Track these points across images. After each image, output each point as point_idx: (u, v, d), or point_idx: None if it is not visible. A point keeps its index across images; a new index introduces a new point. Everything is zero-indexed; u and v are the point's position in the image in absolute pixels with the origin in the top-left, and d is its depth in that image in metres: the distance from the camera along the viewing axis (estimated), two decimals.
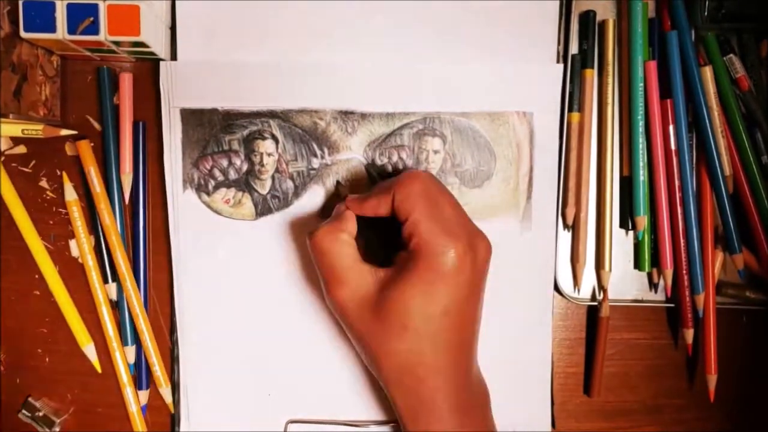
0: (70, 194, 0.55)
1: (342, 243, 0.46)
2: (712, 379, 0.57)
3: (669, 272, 0.56)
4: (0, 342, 0.57)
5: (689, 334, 0.57)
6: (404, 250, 0.46)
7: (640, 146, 0.56)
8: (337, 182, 0.56)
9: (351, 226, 0.47)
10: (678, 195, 0.56)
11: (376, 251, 0.50)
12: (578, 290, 0.58)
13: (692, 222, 0.56)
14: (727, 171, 0.56)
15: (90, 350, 0.56)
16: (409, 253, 0.45)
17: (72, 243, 0.56)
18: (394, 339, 0.44)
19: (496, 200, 0.56)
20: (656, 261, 0.57)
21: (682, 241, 0.56)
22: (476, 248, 0.45)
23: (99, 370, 0.57)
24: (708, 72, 0.56)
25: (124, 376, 0.56)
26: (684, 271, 0.56)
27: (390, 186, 0.46)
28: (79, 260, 0.56)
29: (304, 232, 0.55)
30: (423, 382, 0.44)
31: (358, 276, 0.45)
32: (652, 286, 0.58)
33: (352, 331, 0.47)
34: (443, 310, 0.43)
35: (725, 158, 0.56)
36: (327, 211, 0.55)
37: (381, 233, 0.51)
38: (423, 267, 0.43)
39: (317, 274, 0.48)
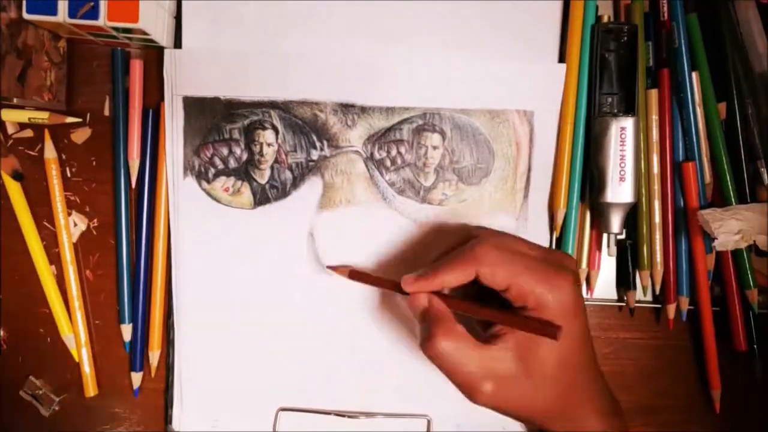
0: (50, 152, 0.56)
1: (461, 339, 0.43)
2: (716, 395, 0.58)
3: (659, 272, 0.57)
4: (1, 322, 0.58)
5: (671, 309, 0.57)
6: (523, 311, 0.44)
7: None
8: (329, 267, 0.56)
9: (449, 315, 0.45)
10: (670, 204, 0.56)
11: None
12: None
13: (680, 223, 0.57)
14: (707, 179, 0.56)
15: (69, 340, 0.57)
16: (533, 312, 0.43)
17: (72, 218, 0.57)
18: (557, 387, 0.44)
19: (494, 198, 0.56)
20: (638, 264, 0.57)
21: (671, 243, 0.56)
22: (569, 268, 0.45)
23: (77, 359, 0.58)
24: (694, 77, 0.56)
25: (82, 336, 0.58)
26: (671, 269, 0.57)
27: (466, 260, 0.45)
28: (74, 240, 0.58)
29: (302, 222, 0.56)
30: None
31: (494, 363, 0.43)
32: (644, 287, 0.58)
33: (518, 411, 0.45)
34: (582, 333, 0.44)
35: (706, 165, 0.56)
36: (325, 201, 0.56)
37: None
38: (555, 317, 0.43)
39: (450, 381, 0.45)
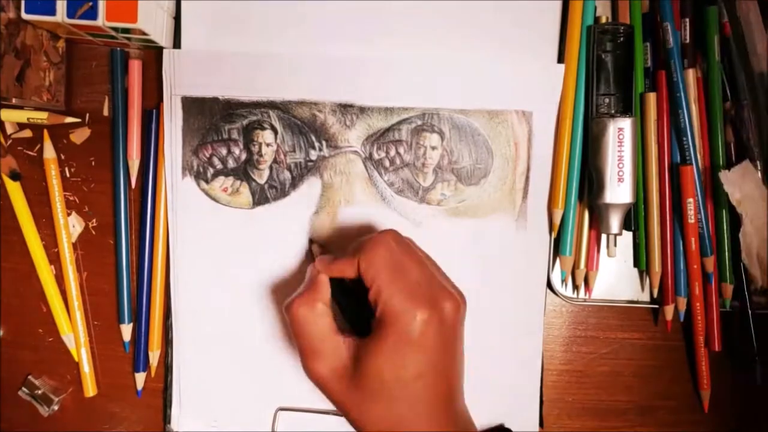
0: (49, 153, 0.57)
1: (318, 314, 0.45)
2: (706, 395, 0.58)
3: (657, 274, 0.57)
4: (0, 321, 0.58)
5: (669, 311, 0.57)
6: (373, 318, 0.44)
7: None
8: (310, 240, 0.56)
9: (325, 292, 0.47)
10: (668, 205, 0.56)
11: (354, 313, 0.49)
12: (565, 286, 0.58)
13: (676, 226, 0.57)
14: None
15: (69, 339, 0.58)
16: (376, 322, 0.44)
17: (71, 219, 0.58)
18: (372, 407, 0.43)
19: (492, 198, 0.56)
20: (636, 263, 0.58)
21: (669, 245, 0.56)
22: (442, 309, 0.43)
23: (76, 359, 0.58)
24: (691, 75, 0.56)
25: (82, 336, 0.58)
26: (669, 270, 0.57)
27: (355, 251, 0.46)
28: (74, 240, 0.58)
29: (301, 222, 0.56)
30: None
31: (333, 348, 0.45)
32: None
33: (332, 400, 0.46)
34: (416, 374, 0.42)
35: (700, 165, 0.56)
36: (322, 203, 0.56)
37: (358, 293, 0.49)
38: (390, 334, 0.42)
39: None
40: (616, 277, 0.59)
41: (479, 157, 0.56)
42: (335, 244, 0.56)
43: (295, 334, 0.46)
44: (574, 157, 0.55)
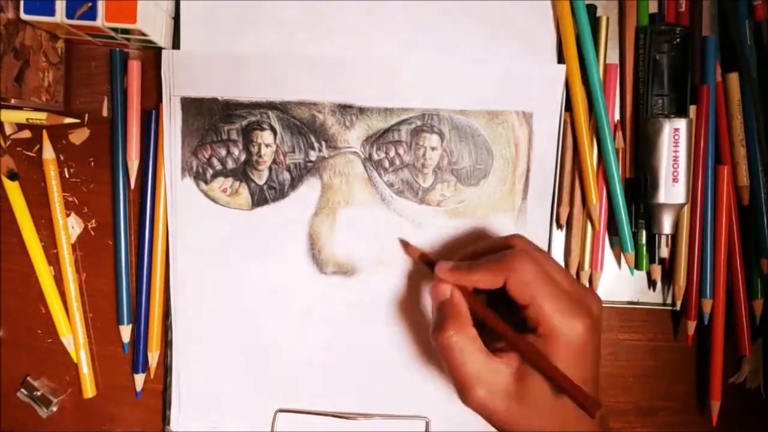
0: (48, 153, 0.57)
1: (472, 339, 0.44)
2: (716, 406, 0.58)
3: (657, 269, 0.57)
4: (0, 322, 0.58)
5: (691, 326, 0.57)
6: (533, 334, 0.44)
7: None
8: (402, 241, 0.56)
9: (467, 312, 0.45)
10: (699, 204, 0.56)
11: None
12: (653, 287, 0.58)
13: (707, 228, 0.56)
14: (745, 181, 0.56)
15: (68, 341, 0.58)
16: (539, 338, 0.43)
17: (70, 220, 0.57)
18: (541, 421, 0.43)
19: (492, 199, 0.56)
20: (653, 259, 0.57)
21: (697, 244, 0.56)
22: (594, 312, 0.44)
23: (75, 360, 0.58)
24: (734, 79, 0.55)
25: (81, 337, 0.58)
26: (695, 272, 0.56)
27: (500, 266, 0.45)
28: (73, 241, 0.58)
29: (300, 223, 0.56)
30: None
31: (492, 371, 0.43)
32: (651, 284, 0.58)
33: (495, 422, 0.45)
34: (582, 380, 0.43)
35: (743, 168, 0.56)
36: (323, 202, 0.56)
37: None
38: (557, 350, 0.42)
39: (448, 373, 0.45)
40: (617, 278, 0.59)
41: (479, 158, 0.56)
42: (337, 246, 0.56)
43: (452, 366, 0.44)
44: (608, 153, 0.55)
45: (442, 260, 0.48)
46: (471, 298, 0.46)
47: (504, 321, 0.45)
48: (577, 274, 0.57)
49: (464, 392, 0.44)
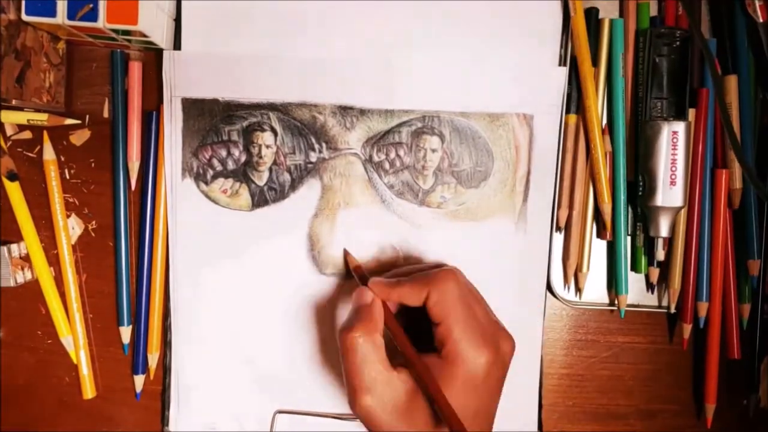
0: (49, 154, 0.57)
1: (377, 346, 0.44)
2: (710, 408, 0.58)
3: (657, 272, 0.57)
4: (0, 322, 0.58)
5: (687, 329, 0.57)
6: (435, 355, 0.45)
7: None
8: (345, 251, 0.56)
9: (381, 321, 0.46)
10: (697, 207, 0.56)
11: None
12: (568, 289, 0.58)
13: (704, 231, 0.56)
14: (738, 185, 0.56)
15: (68, 341, 0.58)
16: (441, 360, 0.44)
17: (70, 221, 0.57)
18: None
19: (493, 201, 0.56)
20: (651, 261, 0.57)
21: (694, 246, 0.56)
22: (503, 350, 0.45)
23: (75, 361, 0.58)
24: (732, 81, 0.56)
25: (81, 338, 0.58)
26: (692, 275, 0.56)
27: (425, 281, 0.46)
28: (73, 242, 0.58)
29: (300, 224, 0.56)
30: None
31: (386, 384, 0.43)
32: (649, 286, 0.58)
33: None
34: (475, 412, 0.43)
35: (737, 171, 0.56)
36: (324, 206, 0.56)
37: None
38: (457, 375, 0.43)
39: (342, 372, 0.45)
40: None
41: (479, 160, 0.56)
42: (336, 247, 0.56)
43: (348, 367, 0.44)
44: (618, 155, 0.56)
45: (376, 276, 0.49)
46: (388, 312, 0.47)
47: (410, 340, 0.45)
48: (576, 276, 0.57)
49: (353, 396, 0.44)
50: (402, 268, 0.51)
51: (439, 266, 0.50)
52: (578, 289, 0.58)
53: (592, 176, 0.56)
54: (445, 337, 0.44)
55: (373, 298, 0.47)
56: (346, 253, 0.56)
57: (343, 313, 0.57)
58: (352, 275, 0.54)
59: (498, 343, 0.45)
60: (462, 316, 0.44)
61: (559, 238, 0.58)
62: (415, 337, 0.46)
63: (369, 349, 0.44)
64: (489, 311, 0.48)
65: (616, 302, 0.57)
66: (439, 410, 0.42)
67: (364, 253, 0.56)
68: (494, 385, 0.45)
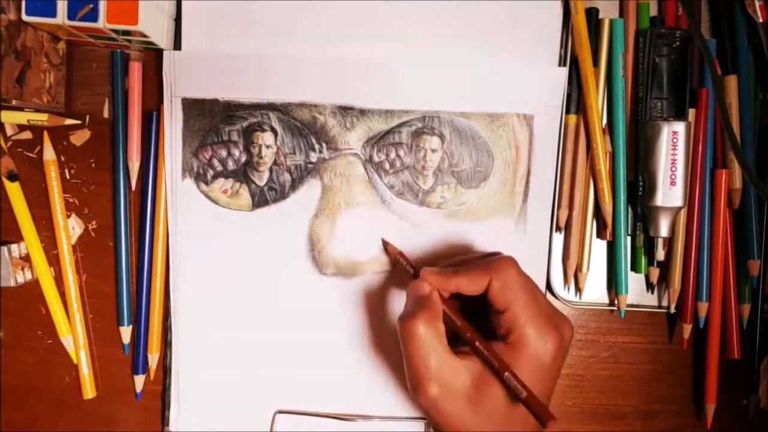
0: (49, 154, 0.57)
1: (439, 335, 0.44)
2: (711, 409, 0.58)
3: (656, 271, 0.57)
4: (0, 323, 0.58)
5: (687, 329, 0.57)
6: (502, 341, 0.44)
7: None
8: (383, 241, 0.56)
9: (440, 310, 0.45)
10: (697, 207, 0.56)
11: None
12: (568, 289, 0.58)
13: (704, 231, 0.56)
14: (738, 185, 0.56)
15: (68, 341, 0.58)
16: (507, 346, 0.44)
17: (70, 221, 0.57)
18: (489, 428, 0.43)
19: (493, 201, 0.56)
20: (652, 261, 0.57)
21: (694, 246, 0.56)
22: (566, 335, 0.45)
23: (75, 361, 0.58)
24: (732, 81, 0.56)
25: (81, 338, 0.58)
26: (691, 275, 0.56)
27: (485, 269, 0.45)
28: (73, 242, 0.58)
29: (300, 224, 0.56)
30: None
31: (451, 372, 0.43)
32: (649, 286, 0.58)
33: (440, 423, 0.44)
34: (542, 394, 0.43)
35: (737, 171, 0.56)
36: (324, 205, 0.56)
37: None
38: (524, 360, 0.43)
39: (404, 363, 0.45)
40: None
41: (479, 160, 0.56)
42: (336, 247, 0.56)
43: (411, 356, 0.43)
44: (618, 155, 0.56)
45: (427, 266, 0.48)
46: (447, 302, 0.46)
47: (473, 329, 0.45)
48: (576, 276, 0.57)
49: (418, 386, 0.43)
50: (452, 260, 0.51)
51: (492, 255, 0.49)
52: (578, 289, 0.58)
53: (593, 176, 0.56)
54: (511, 323, 0.44)
55: (431, 289, 0.46)
56: (385, 243, 0.56)
57: (344, 312, 0.57)
58: (384, 269, 0.55)
59: (561, 327, 0.45)
60: (527, 303, 0.44)
61: (559, 238, 0.58)
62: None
63: (431, 336, 0.43)
64: (547, 299, 0.48)
65: (616, 302, 0.57)
66: (515, 390, 0.42)
67: (364, 253, 0.56)
68: (557, 369, 0.45)
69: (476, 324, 0.46)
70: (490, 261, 0.46)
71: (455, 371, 0.43)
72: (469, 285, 0.45)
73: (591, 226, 0.57)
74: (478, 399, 0.43)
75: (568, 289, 0.58)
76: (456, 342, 0.45)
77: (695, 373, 0.60)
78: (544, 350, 0.43)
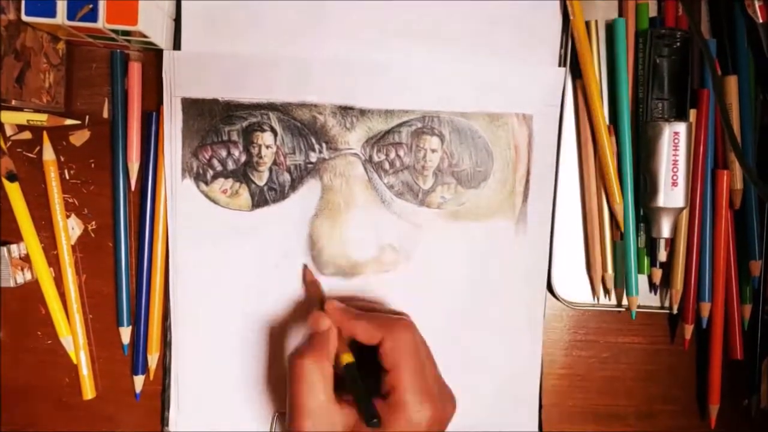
0: (49, 154, 0.56)
1: (325, 376, 0.45)
2: (714, 409, 0.58)
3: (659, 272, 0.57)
4: (0, 323, 0.58)
5: (689, 330, 0.57)
6: (382, 399, 0.45)
7: None
8: (304, 266, 0.56)
9: (333, 350, 0.47)
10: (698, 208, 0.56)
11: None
12: (598, 299, 0.59)
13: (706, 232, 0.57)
14: (738, 185, 0.56)
15: (68, 342, 0.57)
16: (386, 406, 0.44)
17: (70, 221, 0.57)
18: None
19: (492, 201, 0.56)
20: (655, 262, 0.57)
21: (696, 247, 0.56)
22: (446, 410, 0.46)
23: (75, 361, 0.58)
24: (732, 82, 0.56)
25: (80, 338, 0.58)
26: (693, 276, 0.56)
27: (382, 324, 0.47)
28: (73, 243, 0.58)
29: (300, 224, 0.56)
30: None
31: (326, 416, 0.44)
32: (652, 287, 0.58)
33: None
34: None
35: (738, 172, 0.56)
36: (324, 208, 0.56)
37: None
38: (398, 424, 0.44)
39: (286, 396, 0.46)
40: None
41: (479, 160, 0.56)
42: (336, 248, 0.56)
43: (293, 392, 0.45)
44: (624, 156, 0.56)
45: (333, 299, 0.49)
46: (342, 342, 0.47)
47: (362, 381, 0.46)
48: (603, 278, 0.57)
49: (294, 421, 0.44)
50: (359, 303, 0.52)
51: (398, 314, 0.51)
52: (606, 291, 0.58)
53: (602, 177, 0.56)
54: (393, 384, 0.45)
55: (330, 326, 0.47)
56: (305, 269, 0.56)
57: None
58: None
59: (443, 402, 0.46)
60: (413, 369, 0.45)
61: (559, 238, 0.57)
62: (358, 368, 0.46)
63: (317, 378, 0.44)
64: (438, 373, 0.48)
65: (622, 303, 0.57)
66: None
67: (364, 253, 0.56)
68: None
69: (374, 376, 0.47)
70: (391, 318, 0.48)
71: (330, 416, 0.44)
72: (364, 333, 0.47)
73: (607, 226, 0.57)
74: None
75: (598, 298, 0.58)
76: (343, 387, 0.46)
77: (697, 373, 0.60)
78: (420, 418, 0.44)
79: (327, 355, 0.46)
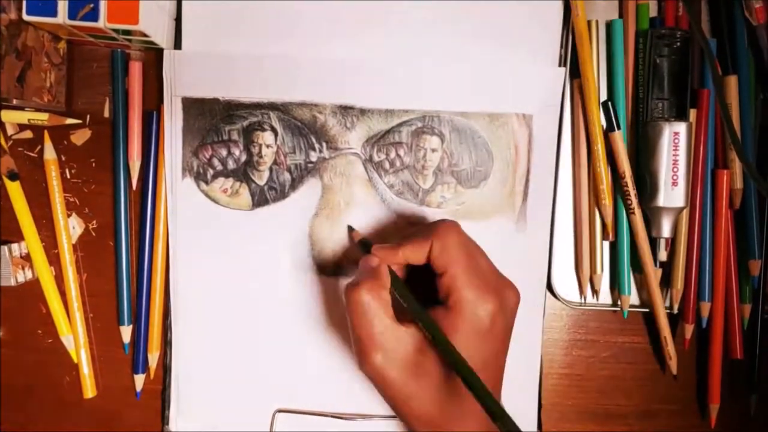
0: (50, 154, 0.57)
1: (383, 302, 0.44)
2: (714, 409, 0.58)
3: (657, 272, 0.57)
4: (0, 322, 0.58)
5: (689, 329, 0.57)
6: (441, 306, 0.44)
7: None
8: (349, 227, 0.56)
9: (387, 281, 0.46)
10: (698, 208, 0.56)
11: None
12: (585, 298, 0.58)
13: (706, 231, 0.57)
14: (738, 185, 0.56)
15: (68, 340, 0.58)
16: (446, 310, 0.44)
17: (71, 220, 0.58)
18: (431, 397, 0.43)
19: (492, 201, 0.56)
20: (655, 262, 0.57)
21: (696, 246, 0.56)
22: (508, 299, 0.45)
23: (75, 360, 0.58)
24: (732, 82, 0.56)
25: (81, 337, 0.58)
26: (694, 275, 0.56)
27: (425, 235, 0.46)
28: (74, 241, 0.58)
29: (300, 224, 0.56)
30: None
31: (395, 339, 0.43)
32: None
33: (384, 391, 0.44)
34: (482, 364, 0.43)
35: (738, 171, 0.56)
36: (325, 208, 0.56)
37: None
38: (461, 325, 0.43)
39: (349, 332, 0.45)
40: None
41: (479, 160, 0.56)
42: (337, 247, 0.57)
43: (355, 323, 0.44)
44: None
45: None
46: (394, 273, 0.47)
47: (415, 297, 0.45)
48: (591, 278, 0.57)
49: (363, 354, 0.43)
50: (404, 233, 0.51)
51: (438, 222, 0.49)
52: (594, 292, 0.58)
53: (594, 177, 0.56)
54: (449, 286, 0.44)
55: (379, 262, 0.47)
56: (350, 229, 0.56)
57: (344, 311, 0.56)
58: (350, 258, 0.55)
59: (502, 292, 0.45)
60: (465, 265, 0.44)
61: (559, 238, 0.57)
62: (425, 301, 0.45)
63: (376, 304, 0.43)
64: (491, 263, 0.47)
65: (618, 303, 0.57)
66: (448, 359, 0.42)
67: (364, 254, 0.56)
68: (500, 334, 0.45)
69: (431, 295, 0.46)
70: (432, 225, 0.47)
71: (398, 339, 0.43)
72: (414, 253, 0.46)
73: (600, 228, 0.57)
74: (419, 368, 0.43)
75: (585, 297, 0.58)
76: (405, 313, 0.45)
77: (698, 372, 0.59)
78: (483, 313, 0.43)
79: (382, 283, 0.45)
